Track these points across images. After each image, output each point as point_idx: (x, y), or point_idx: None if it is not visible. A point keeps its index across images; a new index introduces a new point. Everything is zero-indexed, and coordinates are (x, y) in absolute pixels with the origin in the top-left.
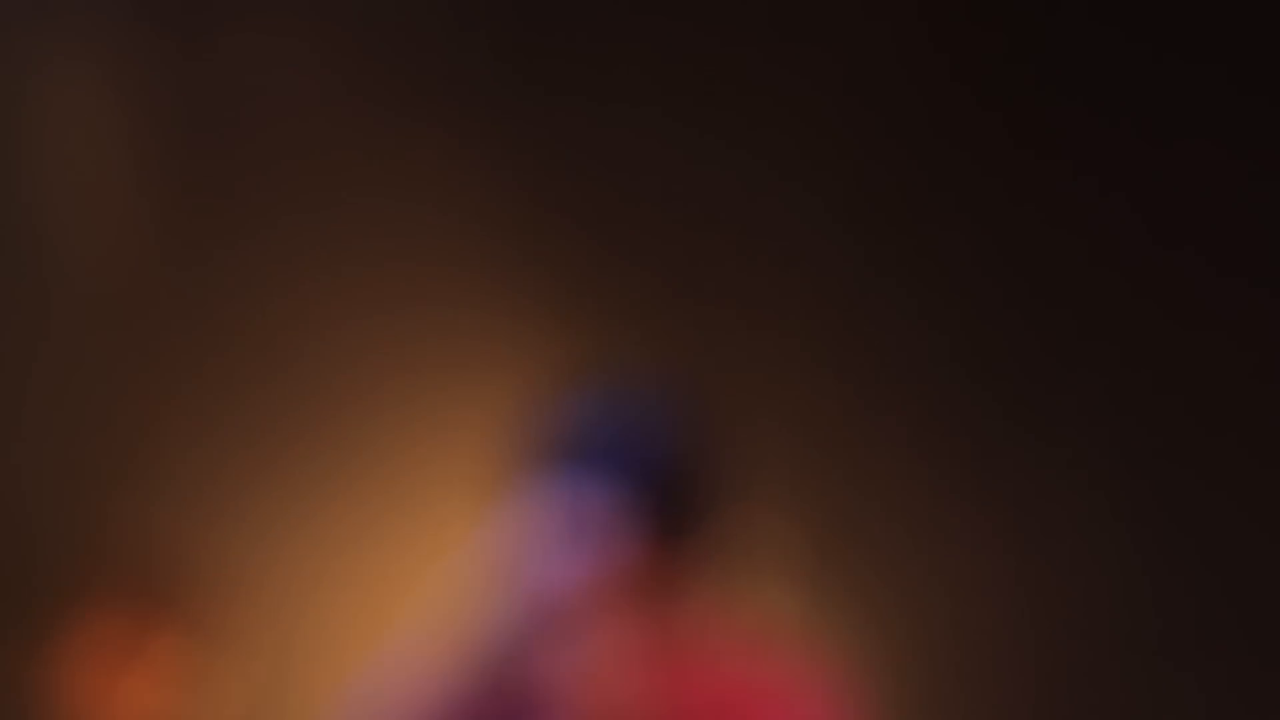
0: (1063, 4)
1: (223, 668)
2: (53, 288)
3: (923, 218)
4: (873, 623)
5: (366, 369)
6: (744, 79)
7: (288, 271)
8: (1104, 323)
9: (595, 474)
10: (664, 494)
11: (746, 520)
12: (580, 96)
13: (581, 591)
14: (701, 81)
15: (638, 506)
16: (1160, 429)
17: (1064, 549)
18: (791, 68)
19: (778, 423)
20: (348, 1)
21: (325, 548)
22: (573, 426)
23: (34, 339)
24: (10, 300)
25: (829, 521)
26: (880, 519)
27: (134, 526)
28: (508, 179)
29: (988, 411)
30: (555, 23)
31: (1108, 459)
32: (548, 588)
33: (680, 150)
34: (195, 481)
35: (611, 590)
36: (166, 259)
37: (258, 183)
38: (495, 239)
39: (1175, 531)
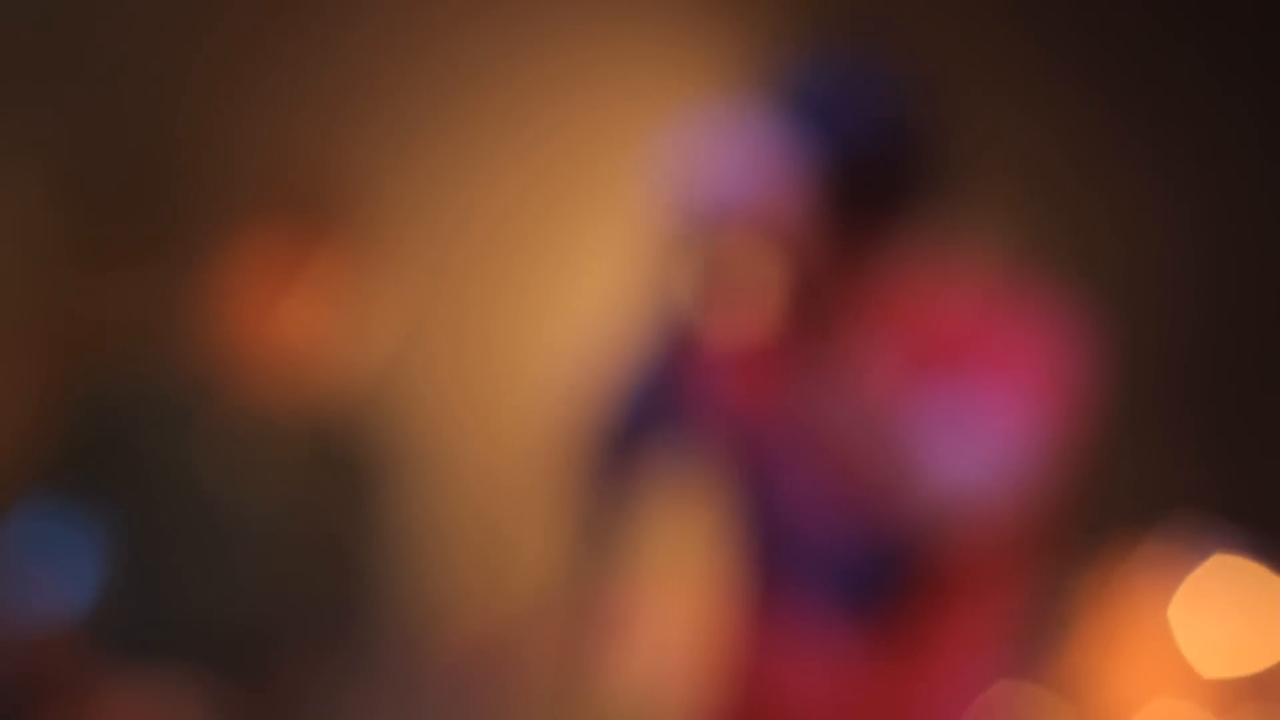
0: None
1: (382, 285)
2: None
3: None
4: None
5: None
6: None
7: None
8: None
9: (802, 123)
10: (874, 156)
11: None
12: None
13: (748, 216)
14: None
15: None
16: None
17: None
18: None
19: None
20: None
21: (488, 167)
22: (791, 75)
23: None
24: None
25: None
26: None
27: (296, 147)
28: None
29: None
30: None
31: None
32: (719, 204)
33: None
34: (359, 103)
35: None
36: None
37: None
38: None
39: None
